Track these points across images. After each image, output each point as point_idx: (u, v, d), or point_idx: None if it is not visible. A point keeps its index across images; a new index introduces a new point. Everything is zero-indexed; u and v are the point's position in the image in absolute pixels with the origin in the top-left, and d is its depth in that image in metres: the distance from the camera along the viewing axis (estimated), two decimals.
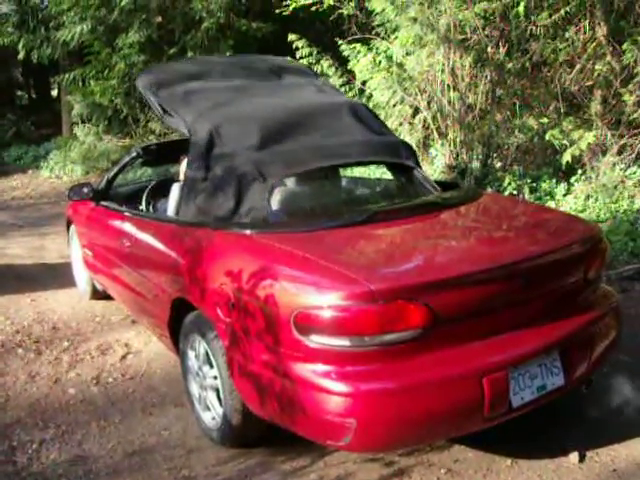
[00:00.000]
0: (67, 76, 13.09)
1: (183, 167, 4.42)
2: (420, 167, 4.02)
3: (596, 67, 6.96)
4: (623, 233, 5.86)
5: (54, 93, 22.23)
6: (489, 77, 7.46)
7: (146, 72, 4.55)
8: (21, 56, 14.98)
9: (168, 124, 4.26)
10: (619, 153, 6.89)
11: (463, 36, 7.27)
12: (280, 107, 3.91)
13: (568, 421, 3.38)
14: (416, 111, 7.90)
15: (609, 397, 3.55)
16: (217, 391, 3.26)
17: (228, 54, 10.78)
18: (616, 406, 3.47)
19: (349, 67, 8.57)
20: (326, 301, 2.57)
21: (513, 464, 3.05)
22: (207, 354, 3.28)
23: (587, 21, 6.97)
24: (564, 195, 6.87)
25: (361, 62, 8.24)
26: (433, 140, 7.96)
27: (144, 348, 4.66)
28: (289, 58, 5.50)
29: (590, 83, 7.14)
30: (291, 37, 8.88)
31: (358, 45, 8.38)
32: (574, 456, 3.06)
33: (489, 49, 7.35)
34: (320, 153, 3.64)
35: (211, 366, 3.27)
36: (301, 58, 8.76)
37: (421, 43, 7.49)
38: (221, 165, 3.54)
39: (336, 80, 8.68)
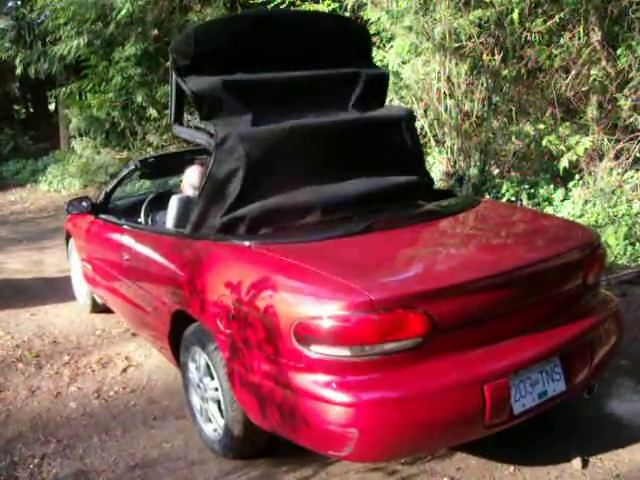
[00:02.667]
0: (64, 90, 13.16)
1: (189, 178, 4.42)
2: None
3: (591, 72, 6.98)
4: (622, 237, 5.87)
5: (51, 107, 22.27)
6: (485, 84, 7.48)
7: (186, 36, 3.60)
8: (18, 71, 15.08)
9: (176, 132, 3.89)
10: (616, 158, 6.90)
11: (458, 44, 7.29)
12: (324, 140, 3.59)
13: (570, 427, 3.38)
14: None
15: (611, 402, 3.55)
16: (218, 403, 3.25)
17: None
18: (618, 411, 3.47)
19: None
20: (326, 311, 2.57)
21: (516, 471, 3.04)
22: (208, 366, 3.28)
23: (581, 27, 6.99)
24: (562, 200, 6.88)
25: None
26: (430, 148, 7.97)
27: (145, 361, 4.65)
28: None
29: (586, 88, 7.16)
30: None
31: None
32: (577, 462, 3.05)
33: (484, 56, 7.38)
34: (342, 204, 3.54)
35: (212, 378, 3.26)
36: None
37: (417, 51, 7.52)
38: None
39: None
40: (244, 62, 3.58)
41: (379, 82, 4.07)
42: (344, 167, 3.59)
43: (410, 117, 4.00)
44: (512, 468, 3.06)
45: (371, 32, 7.96)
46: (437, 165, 7.88)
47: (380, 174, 3.69)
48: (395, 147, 3.83)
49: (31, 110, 24.94)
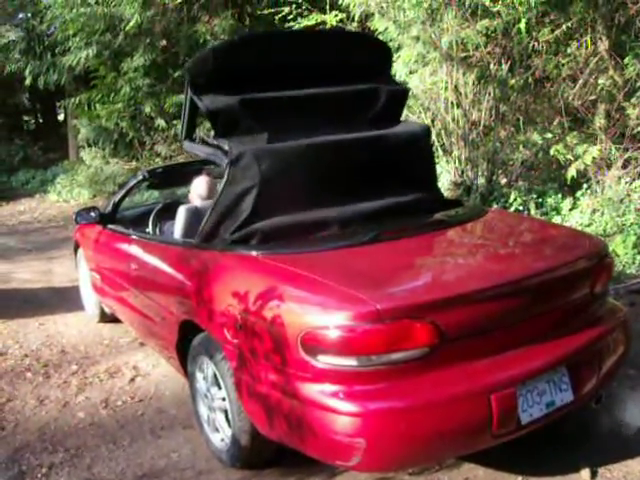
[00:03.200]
0: (73, 100, 13.23)
1: (197, 188, 4.44)
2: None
3: (599, 81, 6.98)
4: (630, 246, 5.85)
5: (61, 118, 22.41)
6: (492, 94, 7.47)
7: (204, 56, 3.56)
8: (28, 82, 15.18)
9: (187, 148, 3.83)
10: (624, 167, 6.89)
11: (465, 53, 7.30)
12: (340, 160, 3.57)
13: (579, 437, 3.36)
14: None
15: (620, 412, 3.53)
16: (226, 412, 3.26)
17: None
18: (627, 421, 3.45)
19: None
20: (333, 321, 2.57)
21: None
22: (215, 376, 3.28)
23: (589, 36, 6.99)
24: (570, 210, 6.86)
25: None
26: (438, 157, 7.96)
27: (152, 370, 4.66)
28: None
29: (593, 97, 7.15)
30: None
31: None
32: (586, 472, 3.04)
33: (492, 66, 7.38)
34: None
35: (219, 387, 3.27)
36: None
37: (424, 61, 7.53)
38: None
39: None
40: (262, 81, 3.55)
41: (397, 98, 4.06)
42: (359, 185, 3.57)
43: (427, 133, 4.01)
44: (520, 478, 3.05)
45: None
46: (445, 175, 7.87)
47: (395, 191, 3.67)
48: (410, 163, 3.81)
49: (40, 121, 25.09)
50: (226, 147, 3.37)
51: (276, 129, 3.49)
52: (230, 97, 3.43)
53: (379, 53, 4.07)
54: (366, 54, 3.95)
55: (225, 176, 3.36)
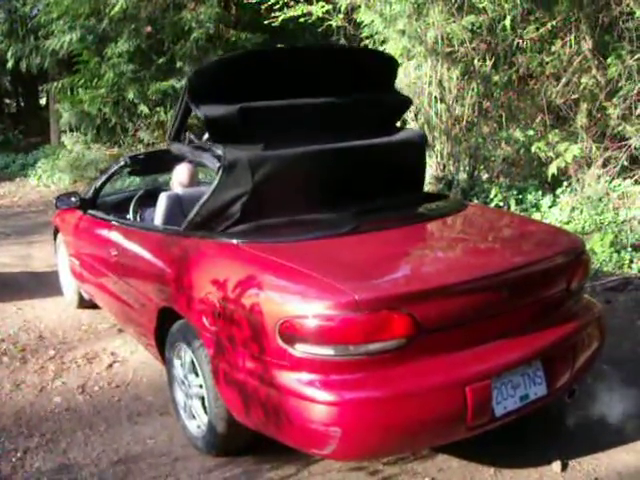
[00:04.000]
0: (56, 85, 13.12)
1: (178, 175, 4.44)
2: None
3: (582, 80, 7.04)
4: (608, 245, 5.92)
5: (43, 102, 22.20)
6: (476, 89, 7.52)
7: (207, 68, 3.63)
8: (10, 64, 15.01)
9: (174, 149, 3.80)
10: (604, 166, 6.97)
11: (451, 49, 7.34)
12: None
13: (551, 430, 3.41)
14: (404, 122, 7.94)
15: (592, 406, 3.58)
16: (202, 399, 3.26)
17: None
18: (598, 415, 3.50)
19: None
20: (311, 310, 2.59)
21: (496, 473, 3.07)
22: (193, 363, 3.29)
23: (573, 35, 7.05)
24: (550, 207, 6.93)
25: None
26: None
27: (130, 357, 4.65)
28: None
29: (576, 96, 7.22)
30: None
31: None
32: (557, 465, 3.08)
33: (476, 62, 7.42)
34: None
35: (196, 375, 3.28)
36: None
37: (409, 55, 7.56)
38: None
39: None
40: (263, 92, 3.50)
41: (397, 108, 4.10)
42: (351, 192, 3.56)
43: (423, 141, 4.04)
44: (493, 470, 3.09)
45: (364, 35, 8.02)
46: (427, 169, 7.90)
47: (385, 196, 3.69)
48: (403, 169, 3.83)
49: (22, 104, 24.85)
50: (219, 152, 3.32)
51: (274, 137, 3.43)
52: (230, 106, 3.38)
53: (384, 67, 4.07)
54: (369, 69, 3.93)
55: (216, 180, 3.31)
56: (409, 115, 7.68)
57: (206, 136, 3.48)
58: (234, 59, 3.58)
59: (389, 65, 4.11)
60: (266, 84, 3.51)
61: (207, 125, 3.45)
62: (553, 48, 7.18)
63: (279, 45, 8.76)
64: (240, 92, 3.40)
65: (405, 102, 4.16)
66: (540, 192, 7.16)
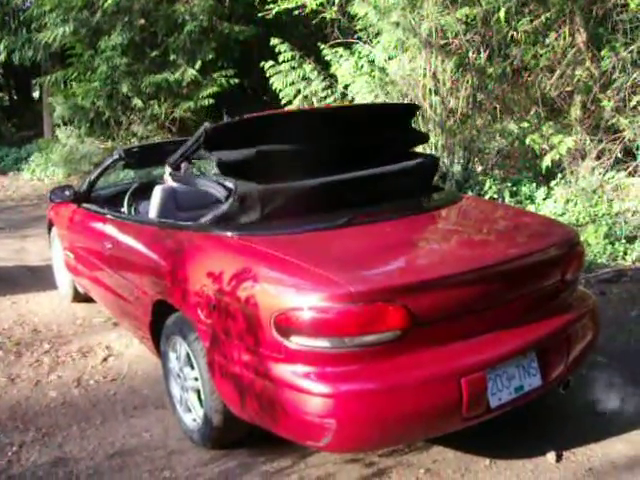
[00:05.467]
0: (49, 78, 13.06)
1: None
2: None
3: (576, 73, 7.05)
4: (602, 236, 5.93)
5: (36, 95, 22.09)
6: (470, 82, 7.52)
7: (226, 125, 3.55)
8: (2, 57, 14.93)
9: (173, 178, 3.85)
10: (598, 158, 6.98)
11: (445, 41, 7.33)
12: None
13: (546, 421, 3.42)
14: None
15: (586, 398, 3.60)
16: (198, 392, 3.27)
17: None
18: (592, 406, 3.52)
19: (331, 71, 8.61)
20: (306, 302, 2.59)
21: (491, 464, 3.08)
22: (188, 356, 3.29)
23: (567, 27, 7.05)
24: (544, 199, 6.94)
25: (343, 66, 8.29)
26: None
27: (125, 350, 4.65)
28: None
29: (570, 88, 7.23)
30: (274, 41, 8.91)
31: (340, 49, 8.43)
32: (551, 456, 3.09)
33: (470, 54, 7.42)
34: None
35: (192, 367, 3.28)
36: (283, 62, 8.78)
37: (403, 47, 7.55)
38: None
39: (319, 84, 8.71)
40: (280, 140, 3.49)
41: (412, 144, 4.17)
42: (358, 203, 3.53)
43: (434, 165, 4.07)
44: (488, 461, 3.10)
45: (358, 27, 8.01)
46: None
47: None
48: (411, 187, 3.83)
49: (15, 97, 24.73)
50: (230, 185, 3.29)
51: (286, 173, 3.41)
52: (246, 150, 3.37)
53: (401, 114, 4.12)
54: (389, 118, 3.97)
55: (225, 209, 3.29)
56: None
57: (214, 170, 3.43)
58: (251, 120, 3.53)
59: (407, 112, 4.17)
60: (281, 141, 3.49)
61: (219, 165, 3.39)
62: (547, 40, 7.18)
63: (276, 39, 8.77)
64: (256, 142, 3.40)
65: (422, 138, 4.26)
66: (534, 184, 7.17)
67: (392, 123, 3.98)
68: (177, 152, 3.77)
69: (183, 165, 4.04)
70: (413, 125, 4.63)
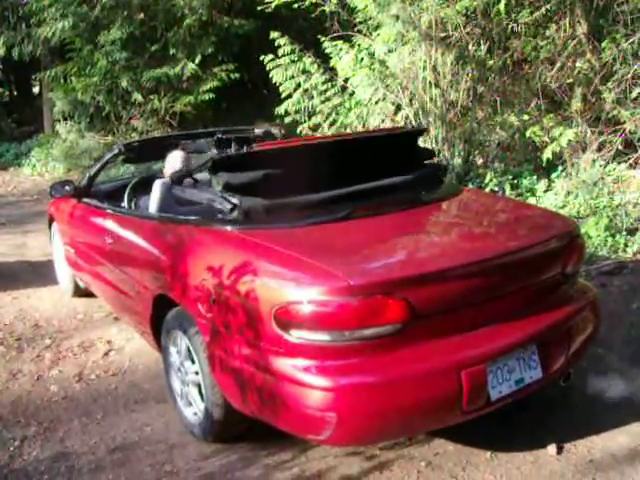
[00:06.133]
0: (48, 73, 13.03)
1: (171, 163, 4.42)
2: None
3: (576, 65, 7.03)
4: (603, 229, 5.92)
5: (36, 90, 22.05)
6: (470, 74, 7.50)
7: (234, 158, 3.46)
8: (1, 52, 14.88)
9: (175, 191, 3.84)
10: (599, 150, 6.96)
11: (445, 33, 7.30)
12: None
13: (546, 414, 3.42)
14: (398, 108, 7.92)
15: (587, 390, 3.60)
16: (199, 386, 3.27)
17: None
18: (593, 399, 3.52)
19: (331, 64, 8.59)
20: (306, 296, 2.59)
21: (492, 457, 3.09)
22: (189, 350, 3.29)
23: (567, 19, 7.03)
24: (545, 191, 6.92)
25: (343, 59, 8.26)
26: None
27: (126, 345, 4.66)
28: None
29: (570, 80, 7.21)
30: (273, 34, 8.88)
31: (340, 42, 8.40)
32: (552, 448, 3.10)
33: (470, 46, 7.40)
34: None
35: (193, 362, 3.28)
36: (283, 55, 8.76)
37: (403, 40, 7.52)
38: None
39: (318, 77, 8.70)
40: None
41: (420, 159, 4.10)
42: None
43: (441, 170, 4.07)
44: (488, 454, 3.10)
45: (358, 20, 7.98)
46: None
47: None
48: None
49: (15, 93, 24.67)
50: (235, 200, 3.26)
51: (291, 188, 3.38)
52: (252, 172, 3.37)
53: (409, 139, 4.11)
54: (395, 142, 3.97)
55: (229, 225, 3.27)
56: (404, 101, 7.66)
57: (219, 187, 3.40)
58: (257, 153, 3.50)
59: (413, 136, 4.15)
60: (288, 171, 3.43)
61: (226, 186, 3.34)
62: (548, 32, 7.16)
63: (276, 32, 8.74)
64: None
65: (429, 154, 4.23)
66: (535, 177, 7.15)
67: (399, 146, 3.94)
68: (182, 168, 3.72)
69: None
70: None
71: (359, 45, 8.23)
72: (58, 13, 12.10)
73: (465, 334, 2.80)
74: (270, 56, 8.89)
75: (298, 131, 9.02)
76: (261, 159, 3.44)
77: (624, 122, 6.72)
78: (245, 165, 3.39)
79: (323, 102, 8.72)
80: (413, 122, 7.67)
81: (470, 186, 7.04)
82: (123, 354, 4.52)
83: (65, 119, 13.15)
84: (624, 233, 5.90)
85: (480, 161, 7.77)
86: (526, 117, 7.27)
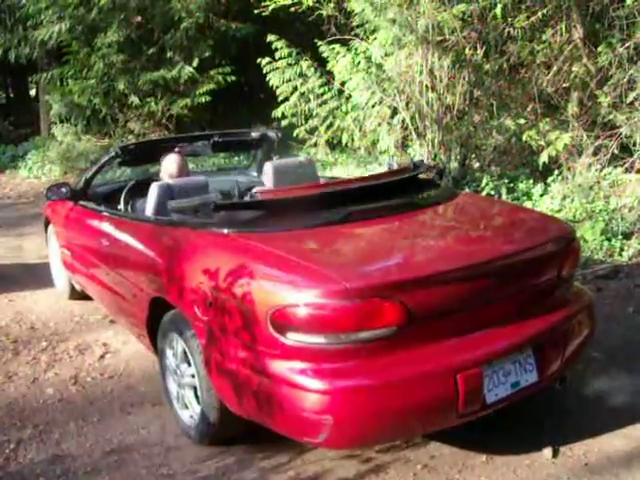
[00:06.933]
0: (45, 75, 13.03)
1: (166, 166, 4.43)
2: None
3: (572, 69, 7.04)
4: (599, 233, 5.94)
5: (32, 93, 22.04)
6: (467, 78, 7.51)
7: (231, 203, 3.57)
8: None
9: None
10: (594, 154, 6.97)
11: (441, 37, 7.31)
12: None
13: (542, 417, 3.42)
14: (395, 112, 7.93)
15: (582, 393, 3.61)
16: (195, 389, 3.27)
17: None
18: (589, 402, 3.53)
19: (328, 68, 8.60)
20: (302, 299, 2.59)
21: (488, 460, 3.09)
22: (185, 352, 3.29)
23: (563, 24, 7.04)
24: (541, 195, 6.94)
25: (340, 63, 8.28)
26: (411, 140, 7.99)
27: (122, 347, 4.65)
28: None
29: (566, 85, 7.22)
30: (270, 38, 8.90)
31: (337, 46, 8.42)
32: (548, 451, 3.10)
33: (467, 50, 7.41)
34: None
35: (189, 364, 3.28)
36: (280, 59, 8.77)
37: (400, 44, 7.53)
38: None
39: (315, 81, 8.71)
40: None
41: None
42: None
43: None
44: (484, 457, 3.11)
45: (355, 24, 7.99)
46: (418, 158, 7.90)
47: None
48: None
49: (11, 95, 24.67)
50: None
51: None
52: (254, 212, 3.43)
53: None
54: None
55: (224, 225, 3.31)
56: (400, 104, 7.67)
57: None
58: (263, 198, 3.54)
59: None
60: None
61: (226, 218, 3.41)
62: (544, 36, 7.17)
63: (273, 36, 8.74)
64: None
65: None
66: (531, 180, 7.18)
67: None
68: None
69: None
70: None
71: (356, 49, 8.25)
72: (55, 16, 12.12)
73: (461, 337, 2.80)
74: (267, 59, 8.91)
75: (295, 134, 9.04)
76: (263, 205, 3.45)
77: (620, 126, 6.73)
78: (247, 209, 3.43)
79: (320, 105, 8.75)
80: (410, 126, 7.67)
81: (466, 190, 7.06)
82: (119, 357, 4.52)
83: (62, 122, 13.14)
84: (620, 237, 5.92)
85: (476, 165, 7.79)
86: (522, 121, 7.28)
